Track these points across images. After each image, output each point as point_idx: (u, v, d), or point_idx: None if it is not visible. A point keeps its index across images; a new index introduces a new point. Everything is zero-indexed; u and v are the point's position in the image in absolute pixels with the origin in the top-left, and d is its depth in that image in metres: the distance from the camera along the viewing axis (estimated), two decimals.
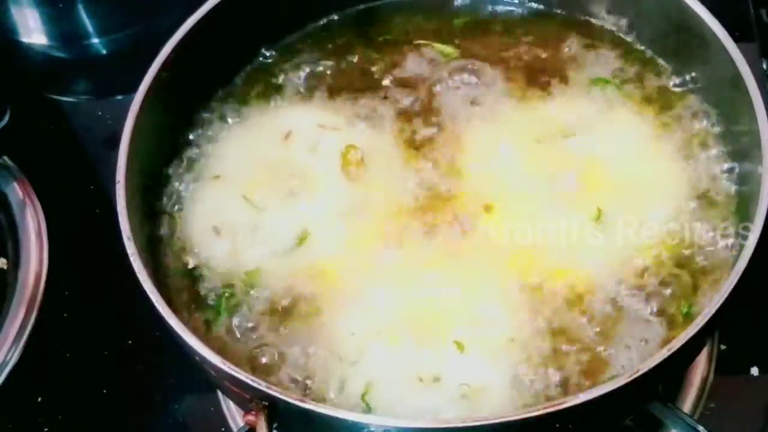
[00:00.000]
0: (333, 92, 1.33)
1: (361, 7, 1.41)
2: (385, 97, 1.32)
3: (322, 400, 1.08)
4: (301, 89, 1.34)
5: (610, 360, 1.10)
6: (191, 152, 1.29)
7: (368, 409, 1.06)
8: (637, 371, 0.97)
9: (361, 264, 1.17)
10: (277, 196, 1.21)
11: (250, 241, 1.19)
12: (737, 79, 1.14)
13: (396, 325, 1.11)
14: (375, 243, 1.19)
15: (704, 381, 1.32)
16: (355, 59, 1.37)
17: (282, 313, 1.15)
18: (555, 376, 1.09)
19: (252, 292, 1.17)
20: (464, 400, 1.06)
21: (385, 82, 1.33)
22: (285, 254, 1.18)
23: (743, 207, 1.17)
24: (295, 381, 1.10)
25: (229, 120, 1.31)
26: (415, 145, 1.27)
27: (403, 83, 1.33)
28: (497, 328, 1.11)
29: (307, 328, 1.13)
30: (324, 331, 1.13)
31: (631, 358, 1.10)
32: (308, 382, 1.10)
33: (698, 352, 1.23)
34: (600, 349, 1.11)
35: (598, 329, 1.12)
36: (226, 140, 1.29)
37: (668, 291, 1.14)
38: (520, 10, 1.40)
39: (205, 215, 1.22)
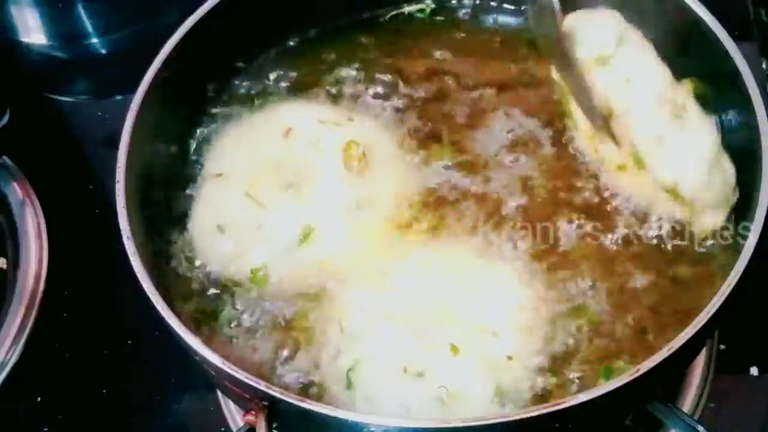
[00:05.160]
0: (333, 89, 1.33)
1: (366, 14, 1.41)
2: (387, 94, 1.32)
3: (314, 366, 1.10)
4: (301, 87, 1.34)
5: None
6: (192, 151, 1.29)
7: (349, 384, 1.06)
8: (637, 371, 0.97)
9: (364, 260, 1.17)
10: (279, 193, 1.21)
11: (254, 239, 1.18)
12: (737, 79, 1.14)
13: (395, 318, 1.10)
14: (378, 239, 1.18)
15: (704, 381, 1.32)
16: (356, 59, 1.37)
17: (286, 312, 1.15)
18: (539, 402, 1.06)
19: (257, 289, 1.17)
20: (437, 402, 1.05)
21: (386, 78, 1.34)
22: (290, 251, 1.18)
23: (743, 207, 1.17)
24: (297, 373, 1.11)
25: (230, 118, 1.31)
26: (418, 141, 1.27)
27: (405, 82, 1.33)
28: (498, 342, 1.09)
29: (307, 327, 1.14)
30: (324, 325, 1.13)
31: None
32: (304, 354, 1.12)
33: (698, 351, 1.23)
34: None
35: (602, 361, 1.10)
36: (226, 138, 1.29)
37: (671, 301, 1.14)
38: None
39: (208, 214, 1.22)
